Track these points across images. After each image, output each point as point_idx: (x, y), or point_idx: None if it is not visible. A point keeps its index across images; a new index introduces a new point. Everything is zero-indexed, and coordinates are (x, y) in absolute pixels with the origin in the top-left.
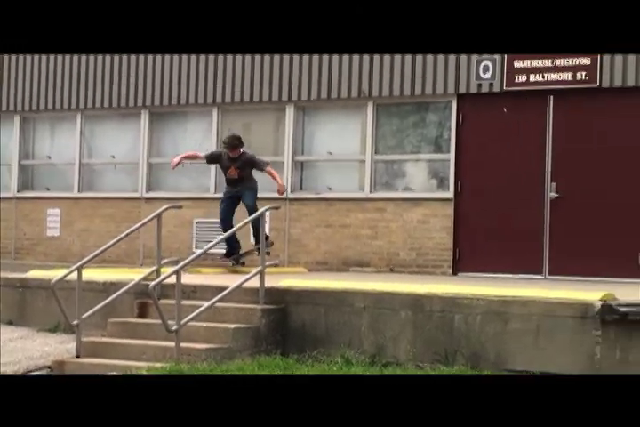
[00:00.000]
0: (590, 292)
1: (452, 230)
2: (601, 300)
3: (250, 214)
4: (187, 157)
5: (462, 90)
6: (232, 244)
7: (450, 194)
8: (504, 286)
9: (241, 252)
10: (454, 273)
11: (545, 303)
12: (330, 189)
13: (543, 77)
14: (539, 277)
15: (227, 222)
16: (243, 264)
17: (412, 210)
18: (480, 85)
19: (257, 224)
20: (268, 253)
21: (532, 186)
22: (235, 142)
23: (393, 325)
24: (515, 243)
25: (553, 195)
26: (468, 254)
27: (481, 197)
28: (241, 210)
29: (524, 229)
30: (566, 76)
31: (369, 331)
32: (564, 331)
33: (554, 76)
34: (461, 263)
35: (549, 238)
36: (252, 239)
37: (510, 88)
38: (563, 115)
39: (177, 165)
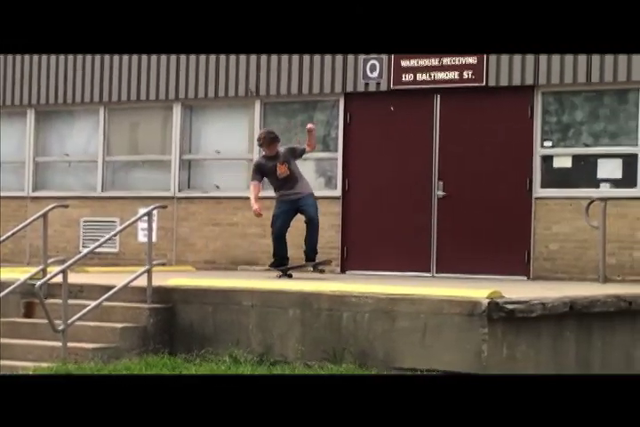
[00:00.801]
0: (477, 289)
1: (341, 229)
2: (488, 297)
3: (311, 227)
4: (256, 197)
5: (350, 89)
6: (284, 256)
7: (338, 192)
8: (392, 284)
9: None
10: (343, 271)
11: (432, 301)
12: (218, 187)
13: (430, 76)
14: (427, 275)
15: (283, 239)
16: (290, 276)
17: None
18: (367, 84)
19: (316, 239)
20: (322, 271)
21: (420, 184)
22: (273, 136)
23: (281, 323)
24: (403, 241)
25: (440, 193)
26: (357, 253)
27: (369, 196)
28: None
29: (411, 227)
30: (453, 75)
31: (257, 330)
32: (452, 329)
33: (440, 75)
34: (350, 261)
35: (437, 237)
36: (305, 253)
37: (397, 87)
38: (449, 113)
39: (259, 210)
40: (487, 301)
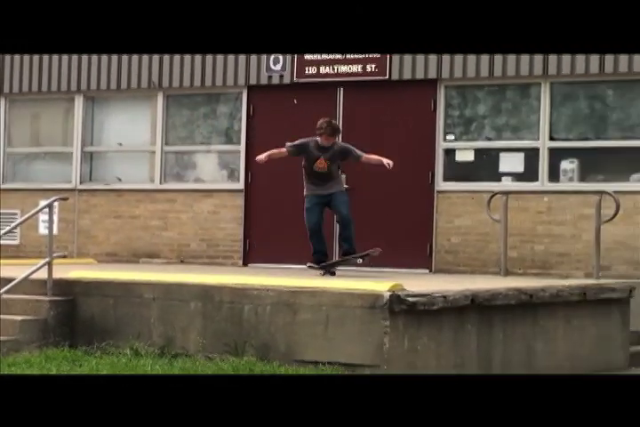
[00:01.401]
0: (379, 282)
1: (243, 221)
2: (389, 290)
3: (344, 225)
4: (273, 155)
5: (253, 81)
6: (324, 252)
7: (240, 185)
8: (294, 276)
9: (333, 260)
10: (245, 264)
11: (334, 294)
12: (119, 179)
13: (333, 69)
14: None
15: (319, 234)
16: (333, 274)
17: (202, 201)
18: (271, 77)
19: (352, 233)
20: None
21: None
22: (337, 127)
23: (182, 316)
24: (305, 234)
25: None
26: (259, 245)
27: (272, 189)
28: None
29: None
30: (356, 68)
31: (158, 322)
32: (354, 321)
33: (344, 69)
34: (252, 254)
35: (338, 229)
36: (341, 249)
37: (301, 80)
38: (352, 107)
39: (263, 161)
40: (389, 293)
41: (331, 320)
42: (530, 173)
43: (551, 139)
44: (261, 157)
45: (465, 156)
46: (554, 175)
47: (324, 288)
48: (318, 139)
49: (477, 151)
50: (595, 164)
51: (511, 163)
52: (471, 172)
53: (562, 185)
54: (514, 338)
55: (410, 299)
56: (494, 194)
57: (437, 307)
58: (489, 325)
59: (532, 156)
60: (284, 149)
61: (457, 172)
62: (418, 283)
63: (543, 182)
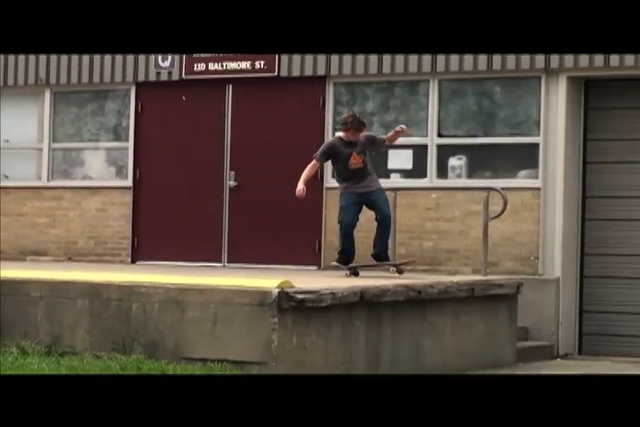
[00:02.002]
0: (268, 279)
1: (131, 219)
2: (278, 287)
3: (385, 226)
4: (307, 176)
5: (141, 78)
6: (353, 253)
7: (129, 182)
8: (182, 274)
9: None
10: (133, 261)
11: (222, 291)
12: (6, 177)
13: (222, 66)
14: (218, 265)
15: (352, 234)
16: (357, 274)
17: (90, 198)
18: (159, 74)
19: (388, 237)
20: (401, 272)
21: (212, 174)
22: (363, 121)
23: (70, 314)
24: (194, 231)
25: (232, 183)
26: (148, 243)
27: (161, 186)
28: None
29: (203, 217)
30: (245, 65)
31: (45, 320)
32: (242, 319)
33: (233, 65)
34: (140, 252)
35: (229, 227)
36: (376, 254)
37: (189, 77)
38: (242, 104)
39: (303, 191)
40: (277, 291)
41: (219, 318)
42: (418, 170)
43: (439, 135)
44: (300, 187)
45: None
46: (442, 172)
47: (213, 286)
48: (341, 135)
49: None
50: (483, 160)
51: (400, 160)
52: None
53: (450, 182)
54: (402, 334)
55: (298, 296)
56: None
57: (326, 304)
58: (378, 321)
59: (420, 152)
60: (315, 163)
61: None
62: (307, 280)
63: (432, 179)
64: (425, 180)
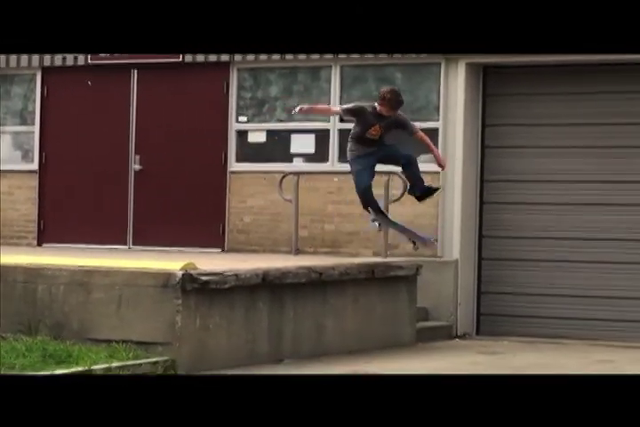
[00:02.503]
0: (172, 262)
1: (37, 202)
2: (182, 269)
3: (411, 162)
4: (317, 110)
5: (47, 63)
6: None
7: (34, 166)
8: (88, 256)
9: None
10: (39, 244)
11: (127, 273)
12: None
13: None
14: (124, 247)
15: (372, 195)
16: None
17: None
18: (65, 59)
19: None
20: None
21: (117, 158)
22: (401, 99)
23: None
24: (100, 214)
25: (137, 167)
26: (54, 226)
27: (67, 169)
28: None
29: (109, 200)
30: None
31: None
32: (147, 300)
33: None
34: (47, 235)
35: (134, 210)
36: (419, 187)
37: (95, 62)
38: (146, 89)
39: (303, 111)
40: (181, 272)
41: (124, 299)
42: (320, 154)
43: (341, 120)
44: (305, 106)
45: (257, 137)
46: (344, 156)
47: (118, 267)
48: (377, 106)
49: (269, 132)
50: None
51: (302, 144)
52: (263, 153)
53: None
54: (304, 315)
55: (202, 278)
56: (286, 174)
57: (229, 285)
58: (280, 302)
59: (322, 137)
60: (335, 108)
61: (249, 153)
62: (210, 262)
63: (333, 163)
64: (327, 164)
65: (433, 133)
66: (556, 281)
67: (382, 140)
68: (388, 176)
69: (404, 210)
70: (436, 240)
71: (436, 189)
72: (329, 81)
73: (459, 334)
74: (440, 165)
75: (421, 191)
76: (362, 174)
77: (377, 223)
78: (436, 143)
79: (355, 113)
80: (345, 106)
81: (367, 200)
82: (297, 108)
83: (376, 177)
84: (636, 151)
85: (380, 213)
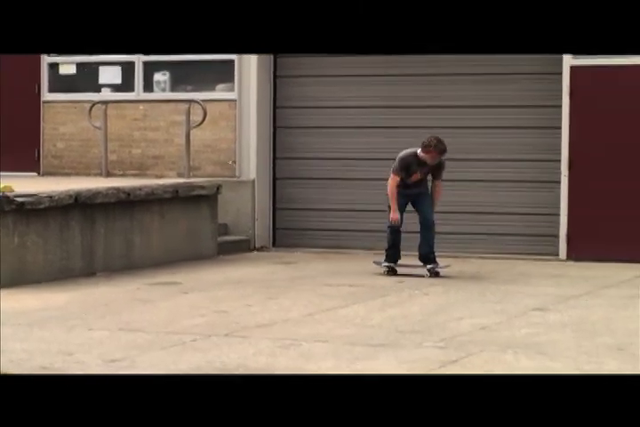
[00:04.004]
0: None
1: None
2: (0, 191)
3: (427, 229)
4: (394, 195)
5: None
6: (399, 251)
7: None
8: None
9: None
10: None
11: None
12: None
13: None
14: None
15: (399, 234)
16: (395, 272)
17: None
18: None
19: (433, 239)
20: (437, 274)
21: None
22: (444, 148)
23: None
24: None
25: None
26: None
27: None
28: None
29: None
30: None
31: None
32: None
33: None
34: None
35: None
36: (422, 255)
37: None
38: None
39: (395, 217)
40: None
41: None
42: (127, 85)
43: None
44: (396, 217)
45: (67, 69)
46: (148, 86)
47: None
48: (419, 153)
49: (79, 65)
50: (184, 76)
51: (109, 75)
52: (74, 84)
53: (155, 95)
54: (114, 233)
55: (18, 199)
56: (95, 103)
57: (44, 206)
58: (91, 221)
59: (128, 69)
60: (394, 177)
61: (61, 84)
62: (27, 185)
63: (139, 93)
64: (133, 93)
65: (229, 65)
66: (341, 197)
67: (424, 181)
68: (189, 104)
69: (205, 135)
70: (234, 162)
71: (432, 262)
72: None
73: (257, 246)
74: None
75: (422, 258)
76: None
77: (384, 266)
78: (232, 73)
79: (406, 168)
80: (397, 171)
81: (393, 239)
82: (392, 220)
83: (177, 105)
84: (410, 79)
85: (392, 259)
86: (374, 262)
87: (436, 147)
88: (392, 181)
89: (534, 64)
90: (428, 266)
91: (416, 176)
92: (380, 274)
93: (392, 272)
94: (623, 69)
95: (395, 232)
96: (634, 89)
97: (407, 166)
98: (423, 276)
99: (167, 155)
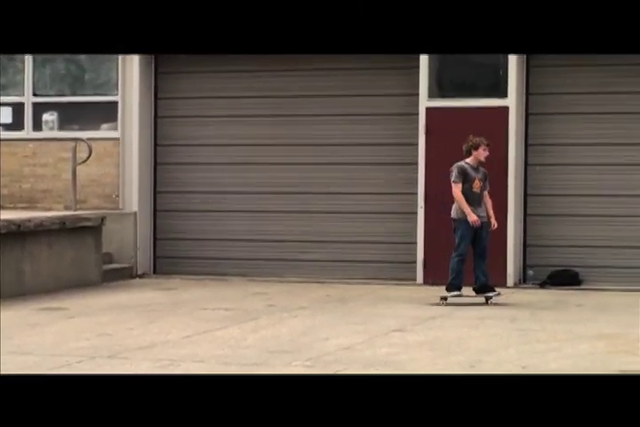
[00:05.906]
0: None
1: None
2: None
3: (483, 258)
4: (463, 203)
5: None
6: (463, 279)
7: None
8: None
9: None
10: None
11: None
12: None
13: None
14: None
15: (464, 263)
16: (445, 299)
17: None
18: None
19: (486, 266)
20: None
21: None
22: (489, 145)
23: None
24: None
25: None
26: None
27: None
28: None
29: None
30: None
31: None
32: None
33: None
34: None
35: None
36: (481, 283)
37: None
38: None
39: (476, 220)
40: None
41: None
42: (17, 124)
43: (35, 95)
44: (475, 218)
45: None
46: (37, 125)
47: None
48: (468, 160)
49: None
50: (71, 116)
51: (3, 115)
52: None
53: (44, 133)
54: (6, 262)
55: None
56: None
57: None
58: None
59: (19, 109)
60: (458, 185)
61: None
62: None
63: (28, 132)
64: (23, 132)
65: (113, 106)
66: (217, 227)
67: (482, 193)
68: (76, 142)
69: (90, 171)
70: (117, 195)
71: (490, 290)
72: (23, 61)
73: (139, 274)
74: (493, 225)
75: (479, 286)
76: (464, 241)
77: (454, 295)
78: (115, 114)
79: (464, 175)
80: (456, 177)
81: (458, 270)
82: (473, 222)
83: (64, 143)
84: (283, 119)
85: (456, 287)
86: (442, 299)
87: (481, 141)
88: (456, 190)
89: (394, 105)
90: (487, 294)
91: (477, 183)
92: (433, 304)
93: (444, 300)
94: (472, 111)
95: (461, 262)
96: (481, 128)
97: (464, 172)
98: (483, 304)
99: (55, 189)
